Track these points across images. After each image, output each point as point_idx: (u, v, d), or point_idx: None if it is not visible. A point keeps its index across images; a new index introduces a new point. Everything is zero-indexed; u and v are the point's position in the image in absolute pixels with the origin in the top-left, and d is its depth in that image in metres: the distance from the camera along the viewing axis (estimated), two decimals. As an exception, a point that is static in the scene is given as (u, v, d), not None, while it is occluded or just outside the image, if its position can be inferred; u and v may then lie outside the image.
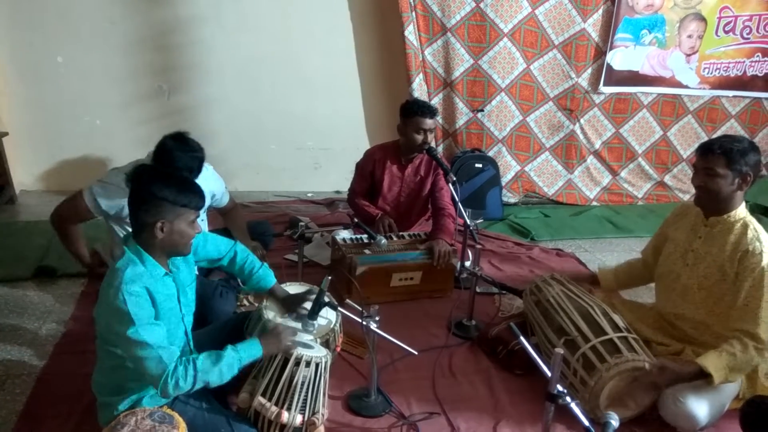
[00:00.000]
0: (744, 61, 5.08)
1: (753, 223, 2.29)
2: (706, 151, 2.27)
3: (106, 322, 1.74)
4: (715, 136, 5.21)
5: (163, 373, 1.68)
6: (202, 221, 2.77)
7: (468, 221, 3.01)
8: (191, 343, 2.01)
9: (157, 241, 1.77)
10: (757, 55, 5.08)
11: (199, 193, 1.83)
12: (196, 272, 2.21)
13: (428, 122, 3.25)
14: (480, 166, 4.57)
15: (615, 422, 1.73)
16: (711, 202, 2.32)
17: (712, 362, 2.13)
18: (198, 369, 1.73)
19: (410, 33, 4.35)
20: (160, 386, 1.69)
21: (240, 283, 2.66)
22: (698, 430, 2.20)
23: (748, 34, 4.98)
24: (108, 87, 4.37)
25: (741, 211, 2.31)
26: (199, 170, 2.47)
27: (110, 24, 4.22)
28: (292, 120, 4.73)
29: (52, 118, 4.36)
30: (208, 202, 2.86)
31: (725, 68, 5.07)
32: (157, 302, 1.76)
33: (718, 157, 2.23)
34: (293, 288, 2.37)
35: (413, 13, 4.34)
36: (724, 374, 2.13)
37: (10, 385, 2.30)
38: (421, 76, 4.51)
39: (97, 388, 1.90)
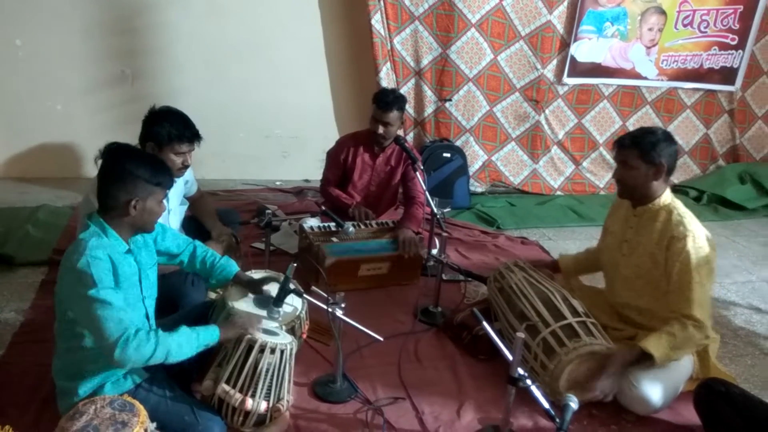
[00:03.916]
0: (701, 54, 5.21)
1: (677, 208, 2.36)
2: (620, 144, 2.38)
3: (67, 289, 1.72)
4: (671, 126, 5.36)
5: (123, 333, 1.65)
6: (174, 213, 2.73)
7: (435, 210, 3.04)
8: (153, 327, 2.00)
9: (127, 219, 1.79)
10: (714, 49, 5.21)
11: (170, 173, 1.88)
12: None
13: (382, 114, 3.21)
14: (448, 155, 4.61)
15: (574, 404, 1.78)
16: (629, 193, 2.42)
17: (652, 343, 2.20)
18: (159, 336, 1.72)
19: (377, 21, 4.34)
20: (118, 349, 1.63)
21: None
22: (654, 412, 2.28)
23: (705, 27, 5.11)
24: (69, 71, 4.26)
25: (665, 198, 2.39)
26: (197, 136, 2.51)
27: (71, 5, 4.11)
28: (260, 108, 4.68)
29: (11, 104, 4.24)
30: (181, 189, 2.83)
31: (683, 60, 5.20)
32: (119, 274, 1.75)
33: (630, 150, 2.33)
34: (258, 275, 2.36)
35: (381, 2, 4.32)
36: (666, 353, 2.19)
37: (-34, 375, 2.25)
38: (389, 65, 4.51)
39: (55, 373, 1.87)
